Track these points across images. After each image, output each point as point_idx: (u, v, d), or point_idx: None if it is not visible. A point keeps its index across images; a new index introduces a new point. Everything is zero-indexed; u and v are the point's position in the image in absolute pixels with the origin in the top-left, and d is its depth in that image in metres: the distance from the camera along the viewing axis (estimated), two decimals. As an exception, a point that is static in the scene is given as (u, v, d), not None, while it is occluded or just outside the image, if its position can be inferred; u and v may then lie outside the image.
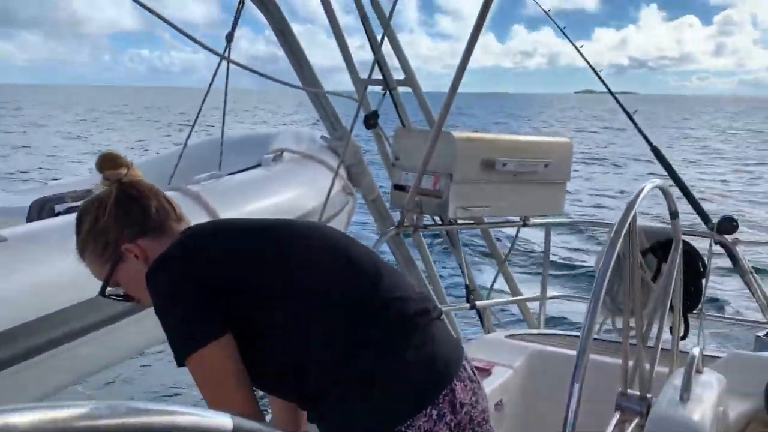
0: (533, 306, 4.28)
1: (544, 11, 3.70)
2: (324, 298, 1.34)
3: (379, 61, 4.10)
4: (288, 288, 1.34)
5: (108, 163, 1.51)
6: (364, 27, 4.19)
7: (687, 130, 51.20)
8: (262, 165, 4.12)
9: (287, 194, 3.73)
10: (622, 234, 1.40)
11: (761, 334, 2.81)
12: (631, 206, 1.46)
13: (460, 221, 3.59)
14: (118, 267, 1.42)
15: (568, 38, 3.72)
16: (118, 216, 1.41)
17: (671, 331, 2.00)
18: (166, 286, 1.32)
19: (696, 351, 1.69)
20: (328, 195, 3.53)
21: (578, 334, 1.28)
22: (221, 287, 1.31)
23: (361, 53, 4.37)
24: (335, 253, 1.41)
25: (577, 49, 3.67)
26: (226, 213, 3.01)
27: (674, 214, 1.82)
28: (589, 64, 3.71)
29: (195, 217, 2.83)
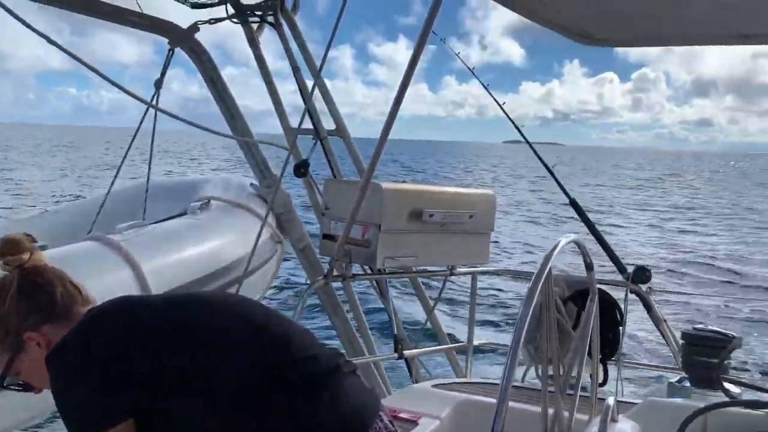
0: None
1: (469, 69, 3.86)
2: (236, 365, 1.32)
3: (310, 111, 4.15)
4: (198, 357, 1.31)
5: (10, 247, 1.43)
6: (295, 78, 4.25)
7: (605, 179, 53.65)
8: (188, 213, 4.04)
9: (213, 243, 3.66)
10: (539, 286, 1.45)
11: (674, 380, 2.92)
12: (547, 260, 1.52)
13: (388, 270, 3.62)
14: (19, 356, 1.37)
15: (491, 95, 3.88)
16: (20, 303, 1.35)
17: (591, 379, 2.06)
18: (76, 361, 1.27)
19: (611, 400, 1.74)
20: (256, 243, 3.49)
21: None
22: (130, 363, 1.27)
23: (295, 98, 4.38)
24: (246, 320, 1.40)
25: (500, 106, 3.83)
26: (149, 264, 2.92)
27: (590, 267, 1.89)
28: (510, 119, 3.88)
29: (116, 268, 2.75)
